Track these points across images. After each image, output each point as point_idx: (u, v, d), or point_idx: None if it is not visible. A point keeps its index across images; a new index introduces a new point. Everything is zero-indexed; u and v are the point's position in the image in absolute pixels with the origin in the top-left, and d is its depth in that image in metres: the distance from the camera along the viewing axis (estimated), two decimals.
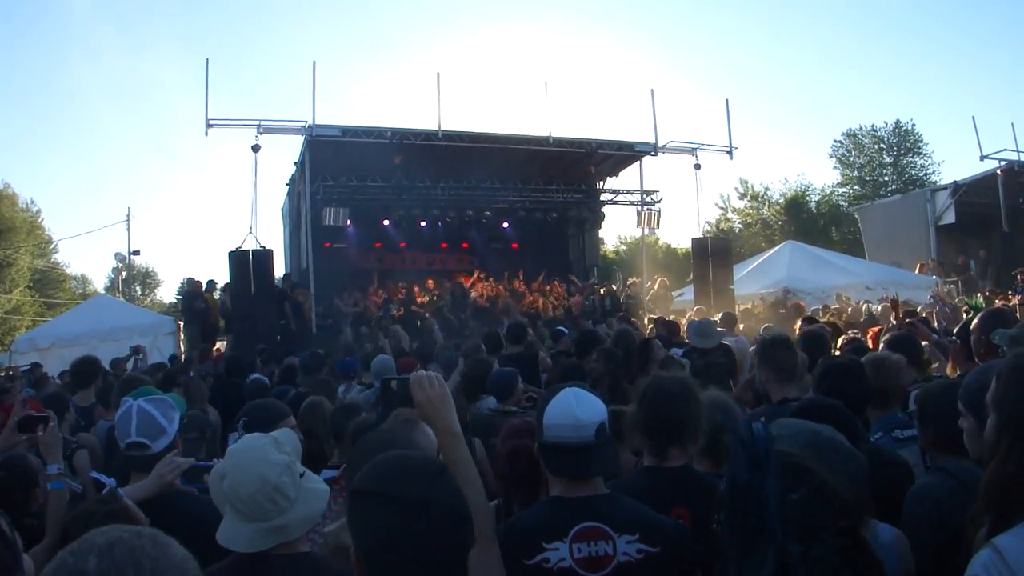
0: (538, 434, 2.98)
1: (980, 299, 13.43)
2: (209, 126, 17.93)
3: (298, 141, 19.70)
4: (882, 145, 55.16)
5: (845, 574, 1.79)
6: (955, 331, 6.13)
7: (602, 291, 22.15)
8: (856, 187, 55.20)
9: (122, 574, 1.36)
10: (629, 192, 24.55)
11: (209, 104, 17.94)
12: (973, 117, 24.97)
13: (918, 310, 11.07)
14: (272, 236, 31.86)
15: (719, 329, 9.03)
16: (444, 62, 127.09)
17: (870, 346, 7.08)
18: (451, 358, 8.80)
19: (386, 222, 22.97)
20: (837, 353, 6.61)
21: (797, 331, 8.69)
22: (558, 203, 24.54)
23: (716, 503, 2.40)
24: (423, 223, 23.08)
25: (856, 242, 35.58)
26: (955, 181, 26.09)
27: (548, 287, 22.73)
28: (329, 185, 20.58)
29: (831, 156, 57.26)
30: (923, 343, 6.33)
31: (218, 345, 18.41)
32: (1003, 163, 24.06)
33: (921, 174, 52.80)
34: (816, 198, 56.38)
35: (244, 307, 16.72)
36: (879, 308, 12.66)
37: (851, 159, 56.32)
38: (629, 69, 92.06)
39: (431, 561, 1.94)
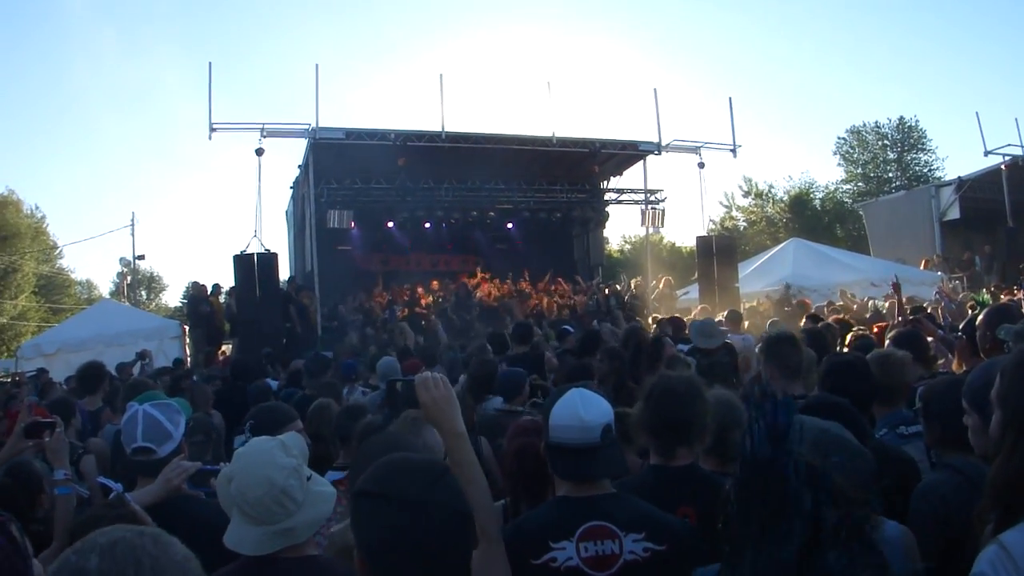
0: (544, 434, 2.99)
1: (986, 295, 13.42)
2: (213, 130, 17.96)
3: (302, 144, 19.75)
4: (886, 141, 55.11)
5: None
6: (961, 327, 6.12)
7: (606, 291, 22.14)
8: (860, 184, 55.13)
9: (123, 572, 1.37)
10: (633, 191, 24.56)
11: (212, 108, 18.00)
12: (977, 112, 25.15)
13: (925, 306, 11.06)
14: (277, 239, 31.84)
15: (723, 328, 9.02)
16: (447, 63, 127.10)
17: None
18: (455, 359, 8.81)
19: (390, 224, 22.96)
20: (846, 350, 6.61)
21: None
22: (562, 203, 24.53)
23: (721, 502, 2.39)
24: (427, 225, 23.10)
25: (861, 239, 35.55)
26: (959, 177, 25.99)
27: (553, 286, 22.74)
28: (333, 188, 20.60)
29: (835, 153, 57.34)
30: (929, 339, 6.32)
31: (224, 349, 18.45)
32: (1007, 158, 23.97)
33: (925, 170, 52.73)
34: (820, 195, 56.32)
35: (249, 311, 16.72)
36: (885, 304, 12.64)
37: (855, 156, 56.27)
38: (632, 68, 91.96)
39: (433, 561, 1.95)
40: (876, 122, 55.54)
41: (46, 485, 4.02)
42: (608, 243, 41.69)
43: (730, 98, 22.22)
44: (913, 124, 54.32)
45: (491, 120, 56.91)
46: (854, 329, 8.58)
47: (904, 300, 10.08)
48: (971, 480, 2.89)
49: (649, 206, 23.06)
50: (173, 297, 68.78)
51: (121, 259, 43.43)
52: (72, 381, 10.80)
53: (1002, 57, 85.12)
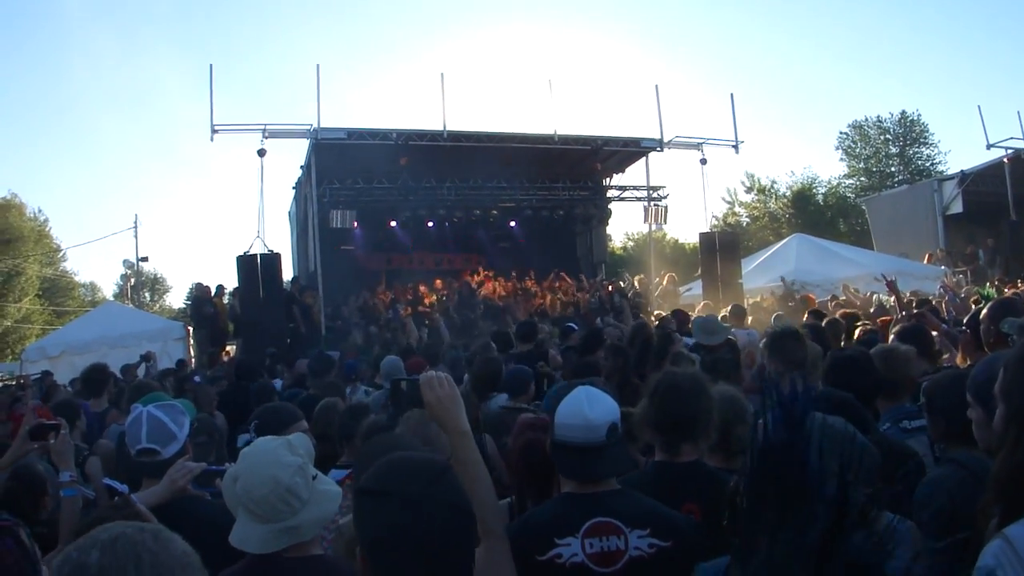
0: (550, 431, 2.99)
1: (991, 289, 13.39)
2: (214, 131, 17.99)
3: (303, 144, 19.78)
4: (888, 136, 55.05)
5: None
6: (965, 321, 6.11)
7: (610, 287, 22.13)
8: (863, 178, 55.07)
9: (123, 568, 1.39)
10: (636, 188, 24.51)
11: (214, 109, 18.03)
12: (979, 106, 24.98)
13: (930, 299, 11.05)
14: (280, 240, 31.90)
15: (726, 324, 9.02)
16: (448, 62, 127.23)
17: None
18: (457, 357, 8.81)
19: (393, 223, 22.94)
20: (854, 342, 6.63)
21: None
22: (564, 201, 24.50)
23: (727, 497, 2.39)
24: (430, 224, 23.08)
25: (864, 233, 35.52)
26: (962, 170, 25.99)
27: (558, 283, 22.73)
28: (335, 188, 20.58)
29: (837, 148, 57.25)
30: (933, 334, 6.31)
31: (228, 349, 18.47)
32: (1010, 151, 23.96)
33: (928, 164, 52.64)
34: (823, 190, 56.23)
35: (253, 311, 16.71)
36: (890, 300, 12.63)
37: (857, 150, 56.21)
38: (633, 65, 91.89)
39: (435, 558, 1.95)
40: (878, 116, 55.59)
41: (49, 487, 4.04)
42: (611, 240, 41.65)
43: (732, 94, 22.17)
44: (915, 118, 54.33)
45: (493, 118, 56.93)
46: (859, 323, 8.59)
47: (905, 295, 10.08)
48: (975, 474, 2.89)
49: (652, 203, 23.05)
50: (177, 298, 68.95)
51: (125, 261, 43.75)
52: (77, 383, 10.81)
53: (1004, 50, 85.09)
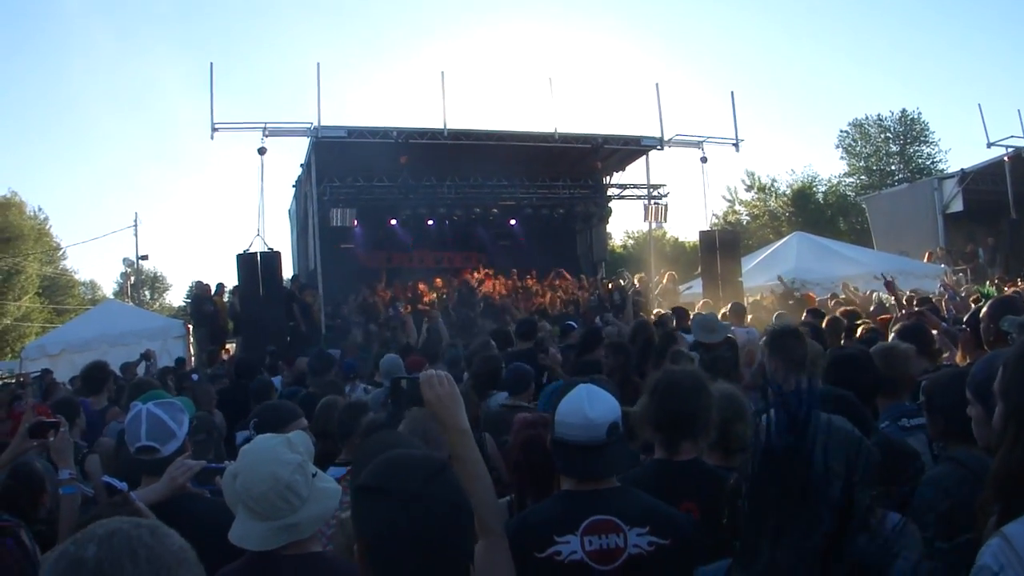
0: (551, 429, 2.99)
1: (991, 287, 13.39)
2: (214, 130, 18.00)
3: (304, 143, 19.77)
4: (888, 134, 55.05)
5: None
6: (965, 319, 6.11)
7: (610, 286, 22.13)
8: (863, 177, 55.06)
9: (119, 562, 1.40)
10: (636, 186, 24.49)
11: (214, 108, 18.04)
12: (979, 104, 24.97)
13: (931, 297, 11.04)
14: (280, 238, 31.94)
15: (725, 323, 9.01)
16: (448, 61, 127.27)
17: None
18: (456, 355, 8.81)
19: (393, 222, 22.94)
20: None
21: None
22: (565, 199, 24.51)
23: (725, 496, 2.38)
24: (430, 222, 23.10)
25: (864, 232, 35.50)
26: (962, 169, 25.98)
27: (558, 281, 22.73)
28: (335, 186, 20.57)
29: (837, 146, 57.28)
30: (933, 332, 6.31)
31: (228, 347, 18.47)
32: (1010, 150, 23.95)
33: (928, 162, 52.66)
34: (823, 189, 56.29)
35: (253, 309, 16.71)
36: (891, 298, 12.61)
37: (857, 149, 56.21)
38: (634, 63, 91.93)
39: (432, 555, 1.96)
40: (878, 115, 55.60)
41: (48, 484, 4.04)
42: (611, 239, 41.58)
43: (732, 92, 22.15)
44: (915, 117, 54.35)
45: (493, 117, 57.20)
46: (860, 321, 8.58)
47: (904, 293, 10.08)
48: (975, 473, 2.89)
49: (652, 201, 23.03)
50: (177, 297, 68.94)
51: (124, 259, 43.58)
52: (76, 381, 10.82)
53: (1004, 49, 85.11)
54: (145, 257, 44.49)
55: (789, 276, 18.02)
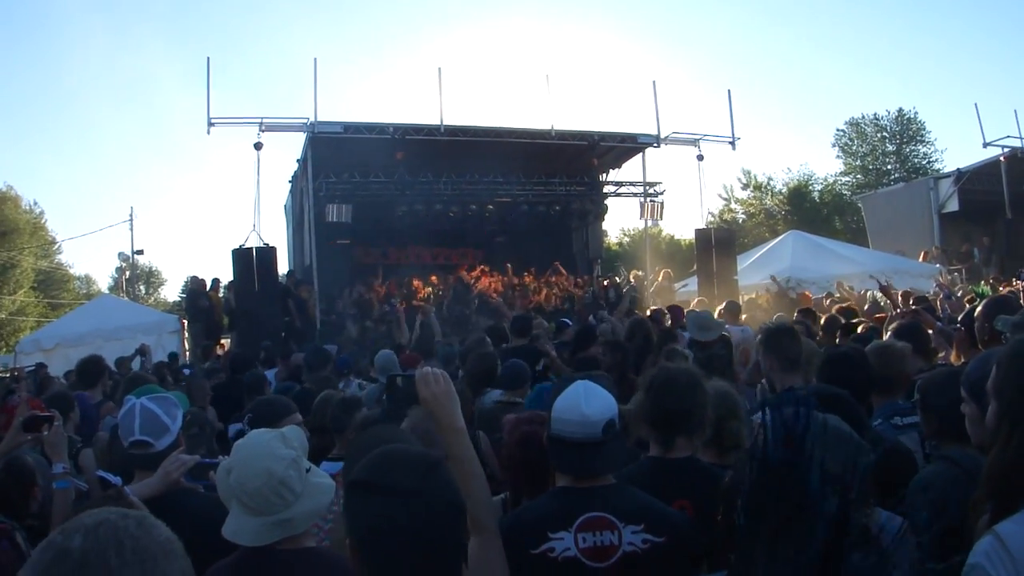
0: (547, 426, 3.00)
1: (985, 287, 13.42)
2: (211, 124, 17.93)
3: (300, 138, 19.72)
4: (885, 133, 55.12)
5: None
6: (960, 319, 6.13)
7: (605, 283, 22.13)
8: (859, 176, 55.13)
9: (104, 552, 1.40)
10: (632, 184, 24.45)
11: (210, 102, 17.97)
12: (976, 104, 25.06)
13: (928, 296, 11.06)
14: (275, 233, 31.93)
15: (719, 320, 9.03)
16: (445, 57, 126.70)
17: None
18: (451, 352, 8.81)
19: (389, 218, 22.90)
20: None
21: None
22: (561, 196, 24.48)
23: (720, 494, 2.39)
24: (426, 218, 23.06)
25: (860, 231, 35.55)
26: (958, 169, 26.01)
27: (554, 278, 22.73)
28: (332, 182, 20.51)
29: (834, 145, 57.37)
30: (928, 331, 6.33)
31: (223, 343, 18.45)
32: (1006, 150, 23.99)
33: (924, 162, 52.76)
34: (819, 187, 56.35)
35: (248, 305, 16.71)
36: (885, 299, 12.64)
37: (854, 148, 56.28)
38: (631, 61, 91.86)
39: (425, 552, 1.96)
40: (875, 114, 55.66)
41: (39, 478, 4.03)
42: (607, 236, 41.70)
43: (729, 90, 22.27)
44: (912, 116, 54.43)
45: (489, 113, 57.09)
46: (856, 319, 8.60)
47: (898, 293, 10.10)
48: (968, 472, 2.90)
49: (648, 199, 23.00)
50: (172, 291, 68.77)
51: (120, 254, 43.42)
52: (72, 375, 10.81)
53: (1001, 49, 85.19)
54: (140, 252, 44.32)
55: (784, 275, 18.05)
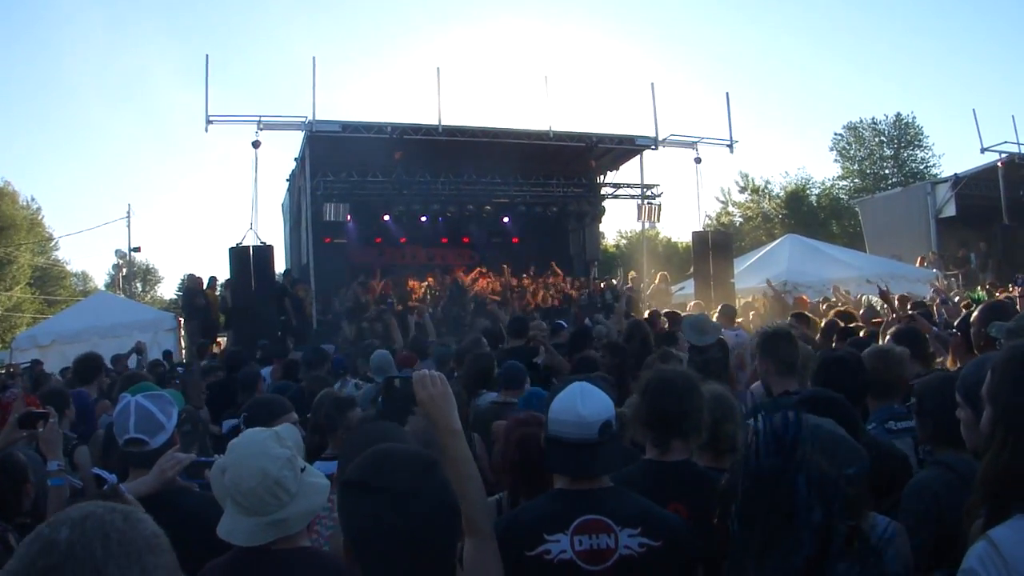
0: (545, 427, 3.00)
1: (982, 292, 13.43)
2: (209, 122, 17.93)
3: (298, 137, 19.70)
4: (882, 138, 55.13)
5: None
6: (956, 324, 6.14)
7: (602, 285, 22.13)
8: (856, 180, 55.17)
9: (90, 545, 1.42)
10: (629, 186, 24.47)
11: (209, 100, 17.98)
12: (974, 109, 25.13)
13: (925, 301, 11.06)
14: (273, 232, 31.93)
15: (716, 323, 9.03)
16: (444, 57, 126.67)
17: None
18: (446, 353, 8.81)
19: (386, 217, 22.94)
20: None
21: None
22: (558, 197, 24.50)
23: (716, 498, 2.39)
24: (423, 218, 23.08)
25: (857, 235, 35.57)
26: (955, 174, 26.05)
27: (551, 279, 22.73)
28: (329, 181, 20.53)
29: (831, 149, 57.35)
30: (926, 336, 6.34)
31: (219, 341, 18.43)
32: (1003, 155, 24.02)
33: (921, 167, 52.78)
34: (816, 191, 56.41)
35: (245, 303, 16.68)
36: (881, 303, 12.64)
37: (851, 152, 56.31)
38: (629, 63, 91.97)
39: (418, 552, 1.96)
40: (873, 118, 55.66)
41: (31, 475, 4.02)
42: (604, 238, 41.63)
43: (727, 93, 22.22)
44: (910, 121, 54.44)
45: (488, 114, 57.15)
46: (854, 323, 8.60)
47: (897, 297, 10.10)
48: (963, 477, 2.90)
49: (645, 201, 23.04)
50: (168, 289, 68.55)
51: (117, 251, 43.24)
52: (68, 372, 10.80)
53: (999, 54, 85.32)
54: (137, 249, 44.20)
55: (781, 278, 18.03)
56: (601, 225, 28.72)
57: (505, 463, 3.61)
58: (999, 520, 2.07)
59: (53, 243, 53.70)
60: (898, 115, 54.65)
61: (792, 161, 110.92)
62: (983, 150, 24.14)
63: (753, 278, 20.06)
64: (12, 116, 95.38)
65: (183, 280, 30.63)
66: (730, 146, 21.97)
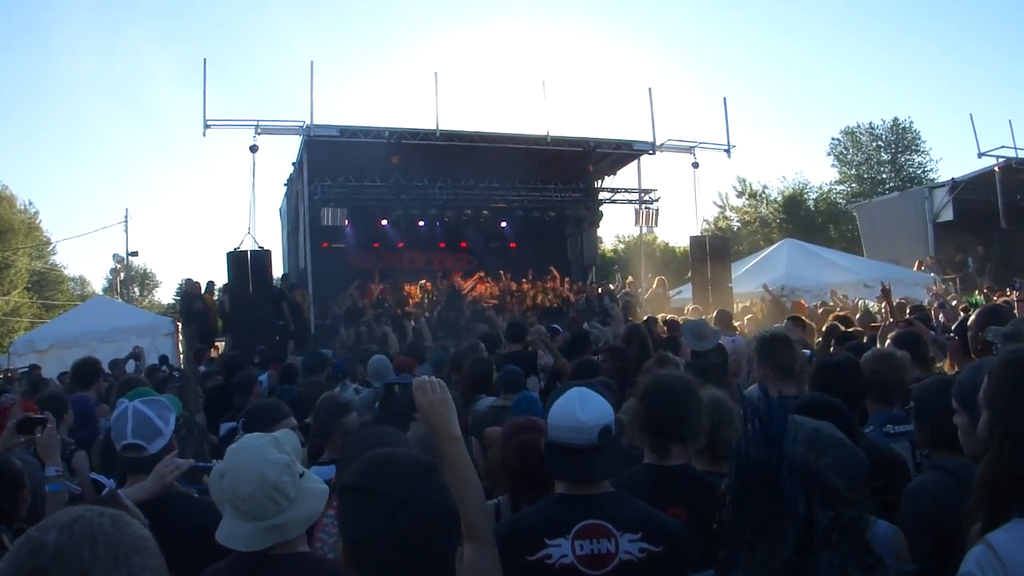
0: (545, 432, 3.00)
1: (979, 296, 13.44)
2: (207, 127, 17.96)
3: (296, 141, 19.66)
4: (880, 143, 55.16)
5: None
6: (953, 328, 6.15)
7: (599, 289, 22.13)
8: (854, 185, 55.18)
9: (78, 547, 1.45)
10: (627, 191, 24.51)
11: (207, 105, 18.01)
12: (971, 114, 24.96)
13: (924, 306, 11.08)
14: (270, 236, 31.76)
15: (715, 329, 9.02)
16: (442, 62, 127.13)
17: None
18: (443, 357, 8.80)
19: (384, 222, 22.95)
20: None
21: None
22: (556, 202, 24.50)
23: (716, 502, 2.39)
24: (421, 223, 23.06)
25: (854, 240, 35.58)
26: (953, 178, 26.06)
27: (549, 283, 22.71)
28: (327, 185, 20.54)
29: (829, 154, 57.35)
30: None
31: (217, 345, 18.41)
32: (1001, 160, 24.06)
33: (919, 171, 52.82)
34: (814, 196, 56.44)
35: (242, 308, 16.66)
36: (881, 306, 12.64)
37: (849, 157, 56.31)
38: (627, 68, 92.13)
39: (417, 557, 1.96)
40: (870, 123, 55.69)
41: (27, 480, 4.02)
42: (602, 243, 41.64)
43: (725, 98, 22.25)
44: (907, 125, 54.46)
45: (485, 119, 56.97)
46: (853, 328, 8.61)
47: (896, 302, 10.11)
48: (961, 481, 2.91)
49: (643, 206, 23.04)
50: (166, 294, 68.72)
51: (114, 255, 43.33)
52: (66, 377, 10.79)
53: (996, 59, 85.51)
54: (135, 253, 44.19)
55: (779, 283, 18.05)
56: (599, 230, 28.78)
57: (505, 469, 3.61)
58: (997, 523, 2.07)
59: (51, 247, 53.67)
60: (895, 120, 54.75)
61: (790, 166, 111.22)
62: (980, 155, 24.19)
63: (751, 283, 20.07)
64: (10, 120, 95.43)
65: (181, 285, 30.69)
66: (728, 151, 21.97)
